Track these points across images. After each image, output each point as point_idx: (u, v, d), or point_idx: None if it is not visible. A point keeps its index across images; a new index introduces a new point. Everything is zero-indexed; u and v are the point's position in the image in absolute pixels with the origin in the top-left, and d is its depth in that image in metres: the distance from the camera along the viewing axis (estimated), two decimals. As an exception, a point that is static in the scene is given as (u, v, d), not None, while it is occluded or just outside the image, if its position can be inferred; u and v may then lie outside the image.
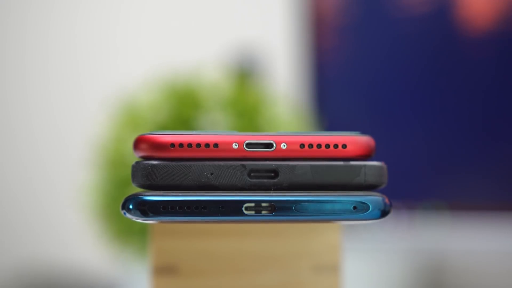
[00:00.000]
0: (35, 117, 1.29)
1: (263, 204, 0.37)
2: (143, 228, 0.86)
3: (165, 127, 0.87)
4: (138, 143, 0.38)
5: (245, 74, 1.02)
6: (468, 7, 1.08)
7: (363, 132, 0.39)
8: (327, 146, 0.38)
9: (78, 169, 1.00)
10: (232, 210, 0.37)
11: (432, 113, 1.10)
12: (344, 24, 1.14)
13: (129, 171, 0.83)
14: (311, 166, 0.38)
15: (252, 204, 0.37)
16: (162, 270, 0.47)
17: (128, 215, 0.37)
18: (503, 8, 1.07)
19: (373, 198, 0.37)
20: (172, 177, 0.37)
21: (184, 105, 0.88)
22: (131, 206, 0.37)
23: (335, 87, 1.15)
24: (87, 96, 1.27)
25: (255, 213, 0.37)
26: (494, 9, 1.07)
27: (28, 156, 1.29)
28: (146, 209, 0.37)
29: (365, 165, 0.38)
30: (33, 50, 1.30)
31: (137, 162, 0.38)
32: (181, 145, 0.38)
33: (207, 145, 0.38)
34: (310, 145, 0.38)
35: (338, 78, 1.15)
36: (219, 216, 0.37)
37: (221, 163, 0.38)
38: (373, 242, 1.07)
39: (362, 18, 1.15)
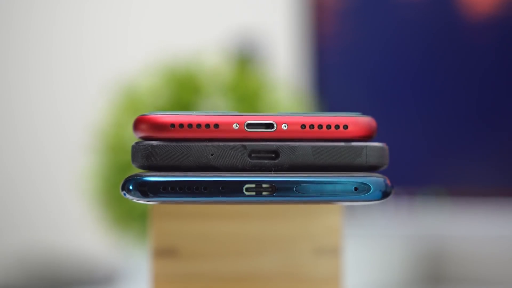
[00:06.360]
0: (35, 103, 1.29)
1: (264, 185, 0.37)
2: (143, 213, 0.86)
3: (165, 111, 0.86)
4: (138, 123, 0.38)
5: (246, 59, 1.02)
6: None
7: (364, 116, 0.39)
8: (328, 126, 0.38)
9: (78, 155, 1.00)
10: (232, 190, 0.37)
11: (432, 99, 1.10)
12: (344, 9, 1.14)
13: (129, 156, 0.83)
14: (312, 146, 0.38)
15: (253, 185, 0.37)
16: (162, 253, 0.47)
17: (128, 196, 0.37)
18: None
19: (375, 179, 0.37)
20: (172, 158, 0.37)
21: (184, 90, 0.88)
22: (131, 187, 0.37)
23: (336, 72, 1.15)
24: (87, 81, 1.27)
25: (256, 194, 0.37)
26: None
27: (27, 142, 1.29)
28: (146, 189, 0.37)
29: (366, 146, 0.38)
30: (34, 36, 1.29)
31: (137, 143, 0.38)
32: (181, 125, 0.37)
33: (207, 125, 0.37)
34: (311, 126, 0.38)
35: (339, 63, 1.14)
36: (219, 196, 0.37)
37: (222, 143, 0.37)
38: (373, 228, 1.07)
39: (363, 3, 1.14)
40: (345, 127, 0.38)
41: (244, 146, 0.38)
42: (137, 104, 0.88)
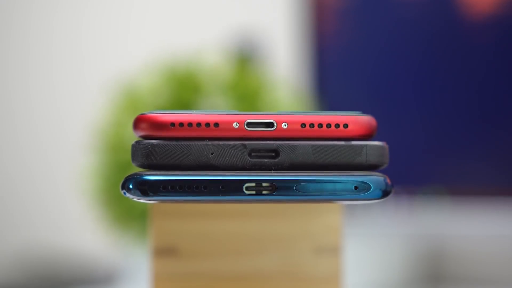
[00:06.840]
0: (35, 102, 1.29)
1: (264, 184, 0.37)
2: (143, 213, 0.86)
3: (165, 111, 0.86)
4: (138, 122, 0.38)
5: (246, 58, 1.02)
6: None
7: (364, 115, 0.39)
8: (328, 125, 0.38)
9: (78, 154, 1.00)
10: (232, 189, 0.37)
11: (432, 98, 1.10)
12: (344, 8, 1.14)
13: (129, 155, 0.83)
14: (312, 145, 0.38)
15: (253, 184, 0.37)
16: (162, 252, 0.46)
17: (128, 195, 0.37)
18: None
19: (375, 178, 0.37)
20: (172, 157, 0.37)
21: (184, 89, 0.88)
22: (131, 186, 0.37)
23: (336, 71, 1.15)
24: (87, 80, 1.27)
25: (256, 193, 0.37)
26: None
27: (27, 142, 1.29)
28: (146, 188, 0.37)
29: (366, 145, 0.38)
30: (34, 35, 1.29)
31: (137, 142, 0.38)
32: (181, 124, 0.37)
33: (207, 124, 0.37)
34: (311, 125, 0.38)
35: (339, 62, 1.14)
36: (219, 195, 0.37)
37: (222, 142, 0.37)
38: (373, 227, 1.07)
39: (363, 2, 1.14)
40: (345, 126, 0.38)
41: (244, 145, 0.38)
42: (137, 103, 0.88)
